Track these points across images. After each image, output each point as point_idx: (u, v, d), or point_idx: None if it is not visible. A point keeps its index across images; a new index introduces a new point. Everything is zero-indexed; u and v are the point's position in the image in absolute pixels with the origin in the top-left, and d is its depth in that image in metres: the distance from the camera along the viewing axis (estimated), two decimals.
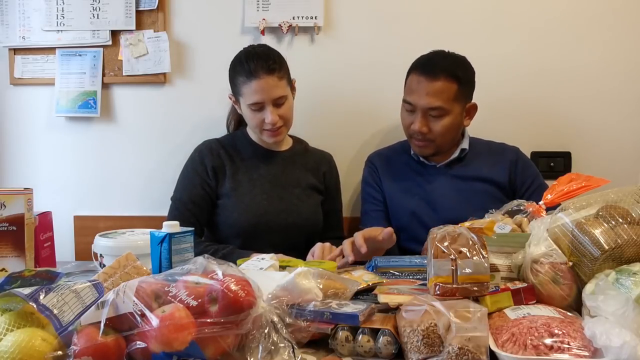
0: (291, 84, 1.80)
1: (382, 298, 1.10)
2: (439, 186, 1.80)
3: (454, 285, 1.01)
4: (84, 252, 2.03)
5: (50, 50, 2.11)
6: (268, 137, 1.77)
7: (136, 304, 0.88)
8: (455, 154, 1.82)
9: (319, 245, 1.62)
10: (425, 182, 1.81)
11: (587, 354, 0.88)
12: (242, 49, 1.79)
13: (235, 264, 1.41)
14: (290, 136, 1.94)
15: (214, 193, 1.79)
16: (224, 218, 1.77)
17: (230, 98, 1.82)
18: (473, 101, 1.81)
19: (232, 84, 1.77)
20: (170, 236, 1.20)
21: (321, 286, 1.08)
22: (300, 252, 1.59)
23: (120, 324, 0.88)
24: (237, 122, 1.94)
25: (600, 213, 1.11)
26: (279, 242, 1.63)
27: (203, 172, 1.79)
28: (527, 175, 1.81)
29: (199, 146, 1.85)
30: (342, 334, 1.00)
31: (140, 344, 0.86)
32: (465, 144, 1.83)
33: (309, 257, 1.61)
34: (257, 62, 1.70)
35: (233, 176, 1.79)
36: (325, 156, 1.96)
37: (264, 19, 2.05)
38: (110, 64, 2.11)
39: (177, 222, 1.24)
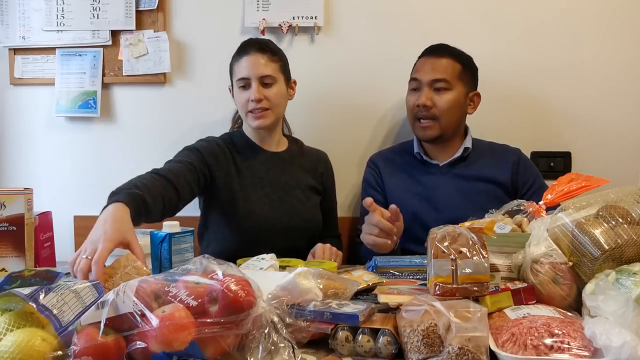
0: (287, 79, 1.80)
1: (382, 298, 1.10)
2: (442, 186, 1.80)
3: (454, 285, 1.01)
4: None
5: (50, 50, 2.11)
6: (252, 120, 1.75)
7: (136, 304, 0.88)
8: (459, 153, 1.82)
9: (319, 245, 1.62)
10: (427, 182, 1.81)
11: (587, 354, 0.88)
12: None
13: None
14: (286, 136, 1.94)
15: (209, 176, 1.72)
16: (227, 222, 1.76)
17: (230, 90, 1.83)
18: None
19: (230, 70, 1.81)
20: (170, 236, 1.20)
21: (321, 286, 1.08)
22: (301, 254, 1.59)
23: (120, 324, 0.88)
24: (237, 118, 1.95)
25: (600, 213, 1.11)
26: (280, 245, 1.62)
27: (206, 152, 1.72)
28: (529, 175, 1.81)
29: (200, 140, 1.80)
30: (342, 334, 0.99)
31: (140, 344, 0.86)
32: (468, 143, 1.83)
33: (309, 257, 1.60)
34: (251, 43, 1.77)
35: (238, 175, 1.77)
36: (321, 156, 1.95)
37: (264, 19, 2.05)
38: (110, 64, 2.11)
39: (177, 222, 1.24)
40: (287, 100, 1.84)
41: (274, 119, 1.77)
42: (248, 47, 1.76)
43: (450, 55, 1.80)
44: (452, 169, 1.83)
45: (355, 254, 1.84)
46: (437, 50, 1.82)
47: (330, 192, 1.94)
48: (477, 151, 1.85)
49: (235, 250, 1.66)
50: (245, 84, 1.73)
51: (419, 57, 1.86)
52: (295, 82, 1.85)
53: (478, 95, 1.86)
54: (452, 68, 1.78)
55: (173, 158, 1.70)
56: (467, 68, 1.81)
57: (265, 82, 1.72)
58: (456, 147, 1.84)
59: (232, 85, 1.82)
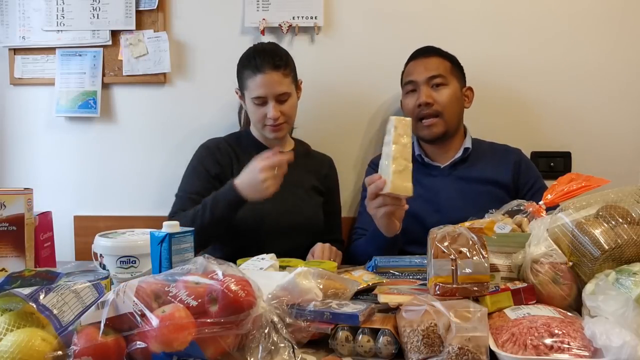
0: (297, 83, 1.81)
1: (382, 298, 1.10)
2: (443, 188, 1.80)
3: (454, 285, 1.01)
4: (84, 252, 2.04)
5: (50, 50, 2.11)
6: (269, 133, 1.77)
7: (136, 304, 0.88)
8: (459, 154, 1.83)
9: (319, 245, 1.62)
10: (429, 184, 1.81)
11: (587, 354, 0.88)
12: (251, 45, 1.81)
13: (226, 199, 1.56)
14: (292, 138, 1.94)
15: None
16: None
17: (237, 93, 1.83)
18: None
19: (239, 78, 1.79)
20: (170, 236, 1.20)
21: (321, 286, 1.08)
22: (301, 253, 1.59)
23: (120, 324, 0.88)
24: (247, 116, 1.94)
25: (600, 213, 1.11)
26: (281, 243, 1.62)
27: (212, 167, 1.78)
28: (530, 176, 1.81)
29: (204, 144, 1.85)
30: (342, 334, 1.00)
31: (140, 344, 0.86)
32: (468, 143, 1.84)
33: (309, 257, 1.60)
34: (263, 58, 1.72)
35: (239, 173, 1.78)
36: (326, 159, 1.96)
37: (264, 19, 2.05)
38: (110, 64, 2.11)
39: (177, 223, 1.24)
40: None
41: (289, 129, 1.83)
42: (262, 63, 1.71)
43: (438, 55, 1.84)
44: (454, 170, 1.83)
45: (351, 255, 1.83)
46: (425, 52, 1.85)
47: (333, 195, 1.94)
48: (478, 152, 1.85)
49: (237, 249, 1.67)
50: (262, 102, 1.73)
51: (407, 62, 1.88)
52: (300, 82, 1.85)
53: (471, 89, 1.89)
54: (444, 65, 1.82)
55: (184, 190, 1.77)
56: (455, 65, 1.85)
57: (281, 98, 1.73)
58: (456, 148, 1.84)
59: (240, 91, 1.80)
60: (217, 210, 1.58)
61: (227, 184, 1.61)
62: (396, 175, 1.34)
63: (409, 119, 1.39)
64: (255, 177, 1.54)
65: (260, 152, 1.82)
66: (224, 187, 1.61)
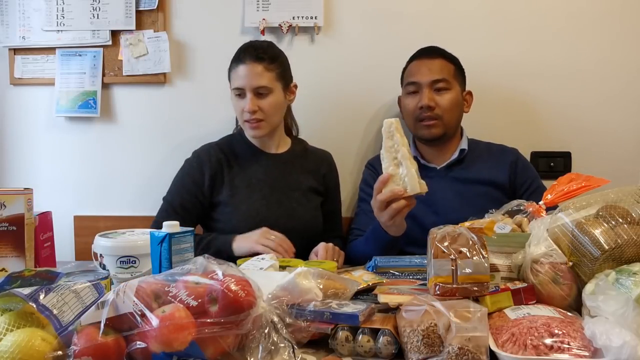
0: (286, 84, 1.77)
1: (382, 298, 1.10)
2: (440, 189, 1.79)
3: (454, 285, 1.01)
4: (84, 252, 2.04)
5: (50, 50, 2.11)
6: (248, 129, 1.76)
7: (136, 304, 0.88)
8: (455, 155, 1.82)
9: (322, 245, 1.61)
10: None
11: (587, 354, 0.88)
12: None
13: (219, 248, 1.56)
14: (290, 136, 1.94)
15: (207, 201, 1.78)
16: (223, 225, 1.76)
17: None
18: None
19: (228, 75, 1.79)
20: (170, 236, 1.20)
21: (321, 286, 1.08)
22: (300, 256, 1.59)
23: (120, 324, 0.88)
24: None
25: (600, 213, 1.11)
26: None
27: (200, 180, 1.77)
28: (527, 176, 1.81)
29: (197, 151, 1.83)
30: (342, 334, 1.00)
31: (140, 344, 0.86)
32: (464, 145, 1.84)
33: (312, 256, 1.60)
34: (247, 50, 1.73)
35: (231, 182, 1.78)
36: (325, 156, 1.95)
37: (264, 19, 2.05)
38: (110, 64, 2.11)
39: (177, 222, 1.24)
40: (285, 107, 1.82)
41: (269, 129, 1.78)
42: (245, 55, 1.72)
43: (442, 57, 1.82)
44: (450, 171, 1.83)
45: (348, 255, 1.82)
46: (430, 52, 1.83)
47: (333, 194, 1.93)
48: (475, 153, 1.85)
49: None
50: (241, 93, 1.72)
51: (410, 61, 1.86)
52: (295, 86, 1.83)
53: (470, 94, 1.89)
54: (448, 68, 1.80)
55: (170, 201, 1.78)
56: (458, 68, 1.84)
57: (259, 92, 1.70)
58: (452, 149, 1.84)
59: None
60: (206, 251, 1.59)
61: (227, 237, 1.64)
62: (417, 175, 1.42)
63: (398, 119, 1.43)
64: (252, 248, 1.57)
65: (253, 155, 1.82)
66: (224, 238, 1.64)
